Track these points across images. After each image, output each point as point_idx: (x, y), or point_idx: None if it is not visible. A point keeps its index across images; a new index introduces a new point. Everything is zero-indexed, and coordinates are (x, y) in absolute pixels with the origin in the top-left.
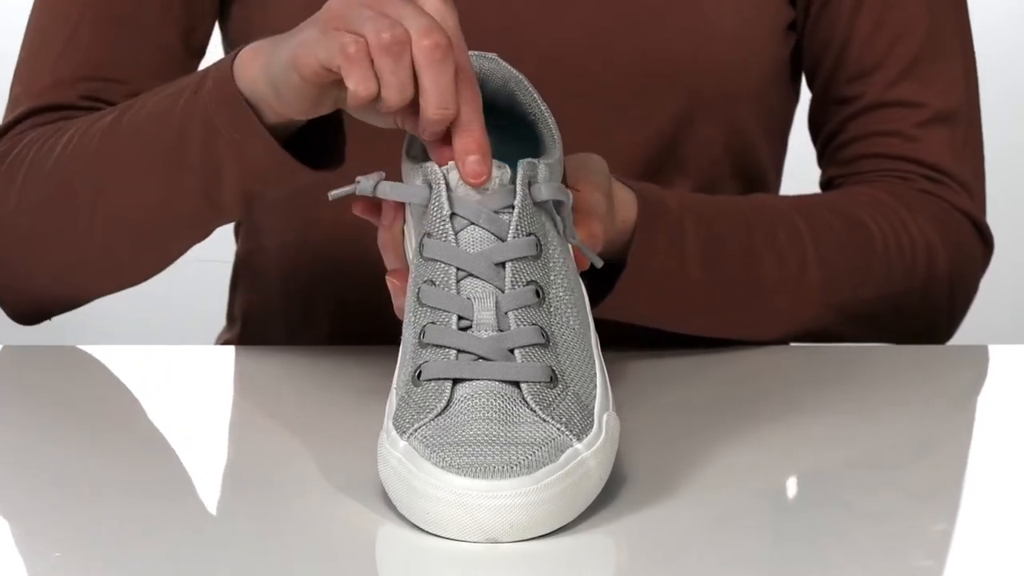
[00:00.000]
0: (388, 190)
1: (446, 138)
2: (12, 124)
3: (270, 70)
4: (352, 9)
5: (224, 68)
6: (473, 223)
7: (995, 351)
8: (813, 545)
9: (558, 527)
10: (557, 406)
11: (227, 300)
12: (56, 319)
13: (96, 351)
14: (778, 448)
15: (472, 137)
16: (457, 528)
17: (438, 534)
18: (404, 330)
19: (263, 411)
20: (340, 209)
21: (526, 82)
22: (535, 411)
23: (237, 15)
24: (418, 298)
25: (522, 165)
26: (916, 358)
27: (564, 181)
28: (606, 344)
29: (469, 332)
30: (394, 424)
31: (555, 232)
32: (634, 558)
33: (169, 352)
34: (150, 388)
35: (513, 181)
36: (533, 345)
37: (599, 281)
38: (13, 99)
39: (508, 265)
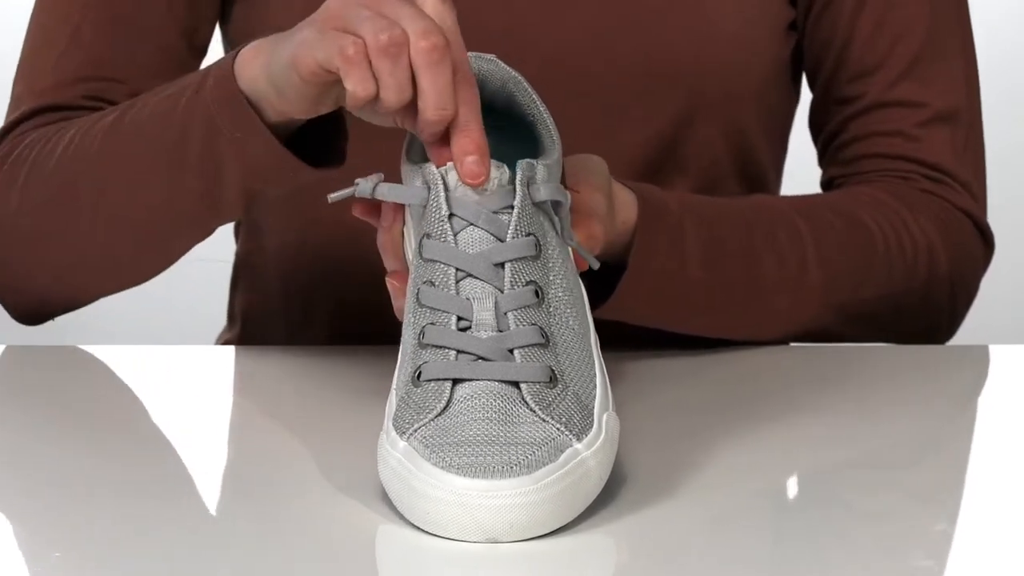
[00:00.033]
0: (387, 192)
1: (445, 139)
2: (14, 124)
3: (271, 69)
4: (350, 9)
5: (225, 67)
6: (472, 224)
7: (996, 351)
8: (813, 545)
9: (558, 527)
10: (557, 406)
11: (227, 300)
12: (57, 319)
13: (97, 351)
14: (778, 448)
15: (470, 138)
16: (457, 528)
17: (438, 534)
18: (404, 331)
19: (263, 411)
20: (340, 209)
21: (525, 83)
22: (535, 411)
23: (238, 14)
24: (417, 299)
25: (521, 166)
26: (916, 358)
27: (563, 182)
28: (605, 344)
29: (468, 332)
30: (394, 425)
31: (554, 232)
32: (634, 558)
33: (169, 352)
34: (150, 388)
35: (512, 182)
36: (532, 345)
37: (600, 283)
38: (15, 99)
39: (507, 265)
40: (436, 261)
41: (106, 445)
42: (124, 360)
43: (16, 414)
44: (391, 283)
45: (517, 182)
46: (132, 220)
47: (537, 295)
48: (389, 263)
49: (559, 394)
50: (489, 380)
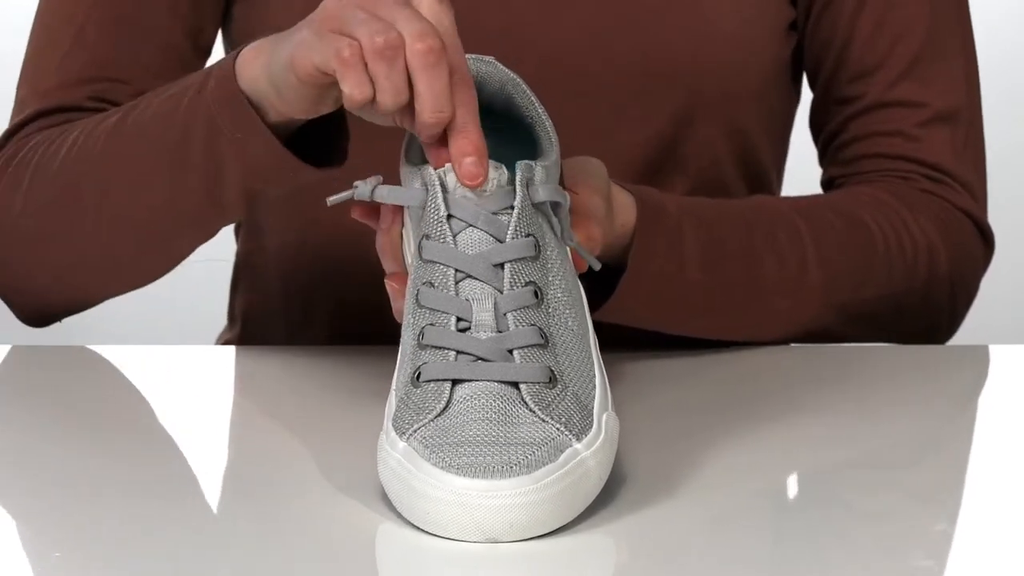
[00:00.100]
0: (385, 194)
1: (443, 140)
2: (19, 127)
3: (271, 69)
4: (347, 10)
5: (226, 67)
6: (471, 225)
7: (996, 351)
8: (813, 545)
9: (558, 527)
10: (556, 406)
11: (228, 300)
12: (62, 320)
13: (97, 351)
14: (778, 448)
15: (468, 139)
16: (457, 528)
17: (438, 534)
18: (403, 332)
19: (263, 411)
20: (340, 209)
21: (523, 85)
22: (534, 411)
23: (239, 14)
24: (417, 300)
25: (520, 166)
26: (916, 358)
27: (561, 183)
28: (605, 345)
29: (468, 333)
30: (393, 425)
31: (552, 234)
32: (634, 558)
33: (169, 352)
34: (151, 388)
35: (510, 183)
36: (532, 346)
37: (599, 285)
38: (19, 101)
39: (507, 266)
40: (435, 262)
41: (106, 445)
42: (124, 360)
43: (20, 413)
44: (390, 285)
45: (517, 182)
46: (135, 221)
47: (536, 296)
48: (388, 265)
49: (558, 394)
50: (488, 381)
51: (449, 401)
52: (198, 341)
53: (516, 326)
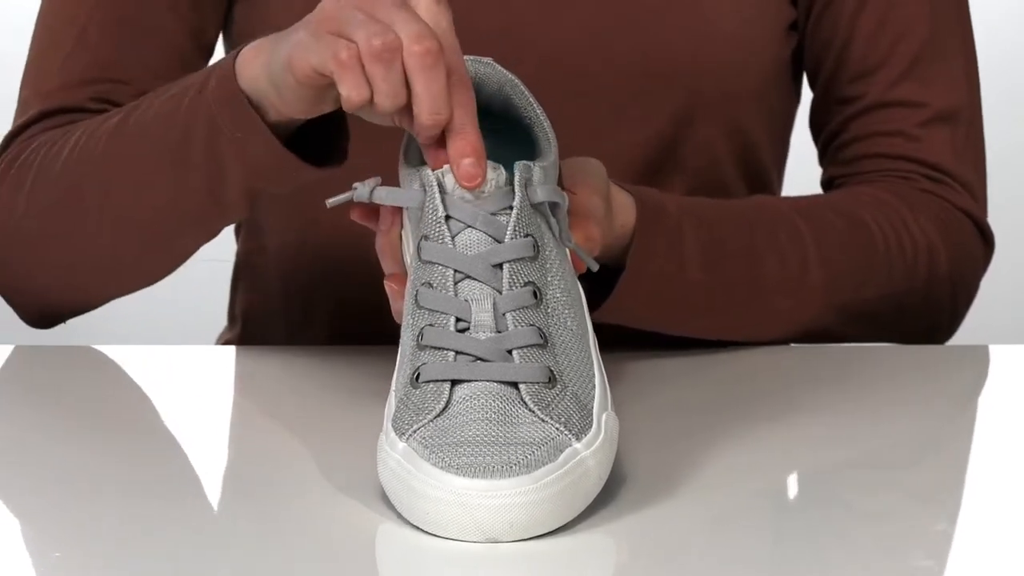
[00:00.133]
0: (384, 195)
1: (441, 141)
2: (22, 128)
3: (270, 68)
4: (344, 11)
5: (226, 67)
6: (470, 226)
7: (996, 351)
8: (813, 545)
9: (558, 527)
10: (556, 406)
11: (228, 300)
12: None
13: (98, 351)
14: (778, 448)
15: (466, 140)
16: (457, 528)
17: (438, 534)
18: (402, 332)
19: (263, 411)
20: (340, 210)
21: (522, 86)
22: (534, 411)
23: (239, 14)
24: (416, 300)
25: (518, 167)
26: (916, 358)
27: (560, 184)
28: (604, 345)
29: (467, 334)
30: (393, 426)
31: (551, 234)
32: (634, 558)
33: (170, 352)
34: (151, 388)
35: (509, 183)
36: (531, 346)
37: (599, 285)
38: (22, 103)
39: (506, 266)
40: (434, 263)
41: (106, 445)
42: (125, 360)
43: (21, 412)
44: (389, 286)
45: (515, 183)
46: (137, 221)
47: (535, 296)
48: (387, 266)
49: (558, 394)
50: (488, 381)
51: (448, 401)
52: (198, 341)
53: (515, 326)
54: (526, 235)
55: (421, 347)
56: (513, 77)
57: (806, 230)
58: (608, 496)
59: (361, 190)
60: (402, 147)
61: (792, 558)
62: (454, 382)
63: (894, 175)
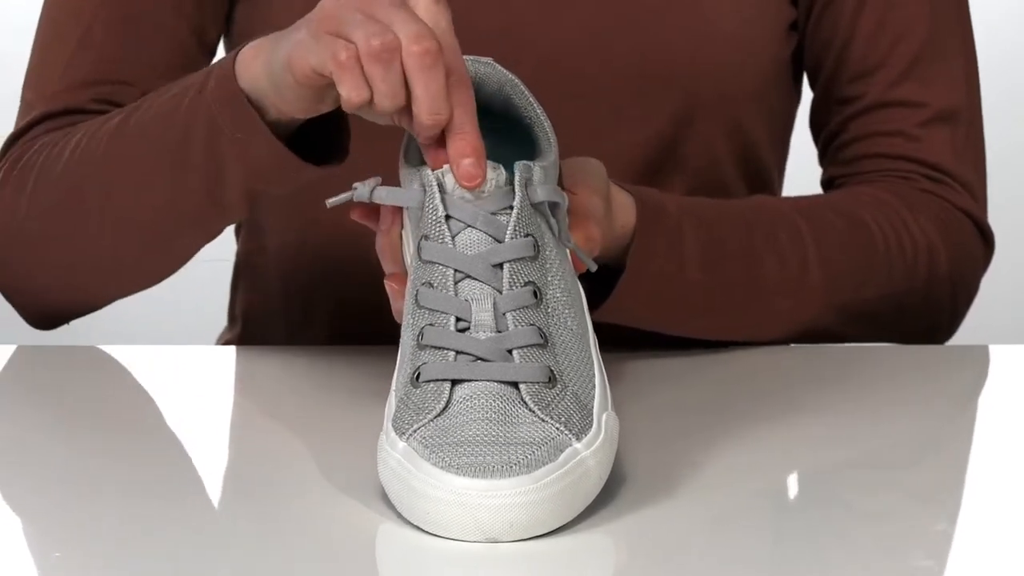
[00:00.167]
0: (384, 195)
1: (441, 141)
2: (25, 129)
3: (270, 68)
4: (343, 11)
5: (226, 66)
6: (470, 226)
7: (996, 351)
8: (813, 545)
9: (558, 527)
10: (556, 406)
11: (228, 300)
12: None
13: (98, 351)
14: (778, 448)
15: (466, 140)
16: (457, 528)
17: (438, 534)
18: (403, 332)
19: (263, 411)
20: (340, 209)
21: (522, 86)
22: (534, 411)
23: (241, 14)
24: (416, 300)
25: (518, 167)
26: (916, 358)
27: (560, 184)
28: (604, 344)
29: (467, 333)
30: (393, 426)
31: (551, 234)
32: (634, 558)
33: (170, 352)
34: (151, 388)
35: (509, 183)
36: (531, 346)
37: (599, 285)
38: (25, 104)
39: (506, 266)
40: (434, 263)
41: (106, 445)
42: (125, 360)
43: (22, 412)
44: (390, 286)
45: (516, 183)
46: (138, 222)
47: (536, 296)
48: (387, 266)
49: (558, 394)
50: (488, 381)
51: (449, 401)
52: (198, 341)
53: (515, 326)
54: (526, 235)
55: (421, 347)
56: (513, 77)
57: (806, 230)
58: (608, 496)
59: (361, 190)
60: (402, 147)
61: (792, 558)
62: (454, 382)
63: (894, 175)
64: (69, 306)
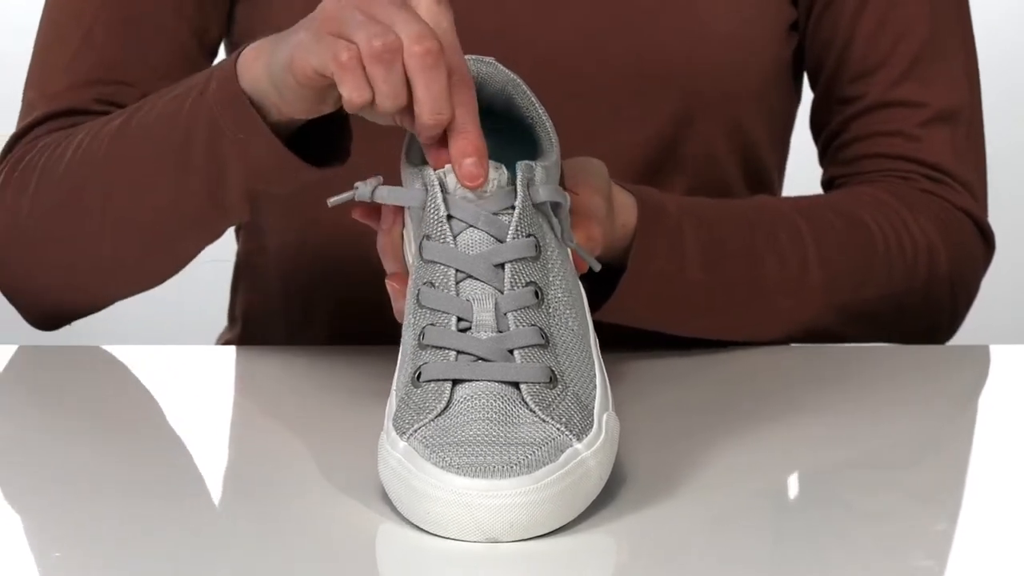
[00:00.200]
0: (386, 194)
1: (443, 141)
2: (27, 130)
3: (271, 69)
4: (345, 12)
5: (228, 68)
6: (471, 225)
7: (996, 351)
8: (813, 545)
9: (558, 527)
10: (557, 406)
11: (228, 301)
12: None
13: (99, 351)
14: (778, 448)
15: (468, 140)
16: (457, 528)
17: (438, 534)
18: (404, 332)
19: (263, 411)
20: (340, 209)
21: (523, 85)
22: (535, 411)
23: (241, 14)
24: (417, 300)
25: (520, 167)
26: (917, 358)
27: (562, 184)
28: (605, 345)
29: (468, 333)
30: (394, 425)
31: (553, 234)
32: (634, 558)
33: (170, 352)
34: (151, 388)
35: (511, 183)
36: (532, 346)
37: (600, 285)
38: (27, 104)
39: (507, 266)
40: (436, 262)
41: (106, 445)
42: (125, 360)
43: (23, 412)
44: (391, 285)
45: (518, 183)
46: (139, 223)
47: (537, 296)
48: (389, 265)
49: (559, 394)
50: (489, 381)
51: (449, 401)
52: (198, 341)
53: (517, 326)
54: (528, 235)
55: (422, 346)
56: (515, 77)
57: (806, 230)
58: (608, 496)
59: (363, 189)
60: (404, 146)
61: (792, 558)
62: (455, 382)
63: (894, 175)
64: (70, 307)
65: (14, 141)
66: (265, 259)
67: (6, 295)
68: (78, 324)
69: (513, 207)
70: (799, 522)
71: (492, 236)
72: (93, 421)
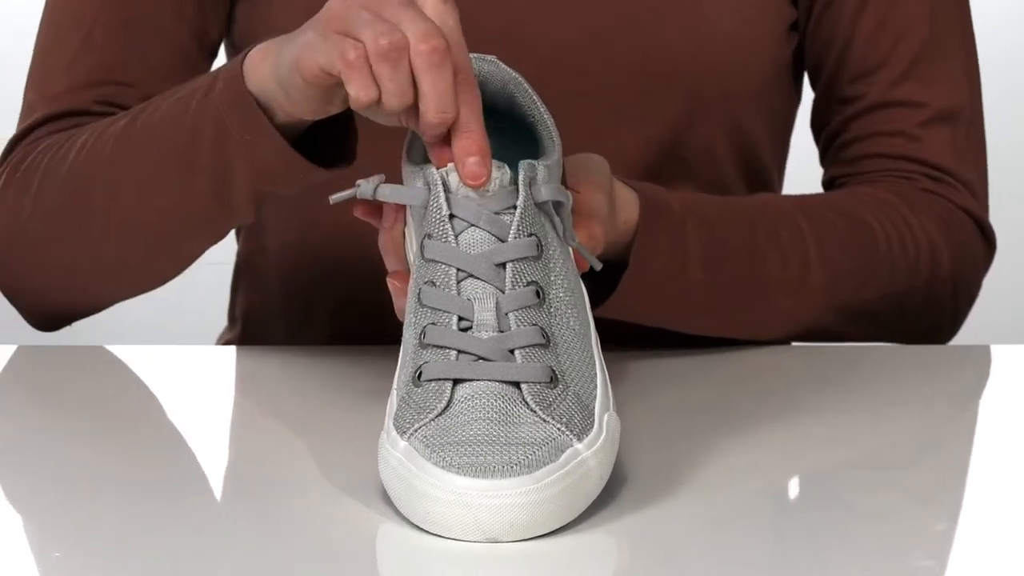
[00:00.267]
0: (388, 193)
1: (446, 140)
2: (28, 131)
3: (278, 70)
4: (351, 11)
5: (234, 69)
6: (473, 225)
7: (997, 351)
8: (813, 545)
9: (558, 527)
10: (557, 406)
11: (228, 301)
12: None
13: (99, 351)
14: (778, 448)
15: (471, 139)
16: (457, 528)
17: (438, 534)
18: (405, 331)
19: (263, 411)
20: (340, 209)
21: (526, 84)
22: (535, 411)
23: (241, 15)
24: (419, 299)
25: (523, 166)
26: (918, 358)
27: (564, 183)
28: (606, 344)
29: (469, 333)
30: (394, 424)
31: (554, 233)
32: (634, 558)
33: (170, 352)
34: (151, 388)
35: (513, 182)
36: (533, 346)
37: (601, 282)
38: (28, 105)
39: (509, 266)
40: (437, 262)
41: (106, 445)
42: (125, 360)
43: (23, 412)
44: (392, 283)
45: (520, 182)
46: (144, 224)
47: (538, 295)
48: (390, 263)
49: (560, 394)
50: (490, 380)
51: (450, 401)
52: (198, 341)
53: (518, 326)
54: (530, 234)
55: (423, 345)
56: (517, 75)
57: (808, 229)
58: (609, 496)
59: (364, 187)
60: (405, 145)
61: (792, 558)
62: (456, 381)
63: (895, 175)
64: (72, 307)
65: (14, 143)
66: (265, 259)
67: (7, 296)
68: (78, 324)
69: (515, 206)
70: (799, 522)
71: (494, 235)
72: (93, 421)
